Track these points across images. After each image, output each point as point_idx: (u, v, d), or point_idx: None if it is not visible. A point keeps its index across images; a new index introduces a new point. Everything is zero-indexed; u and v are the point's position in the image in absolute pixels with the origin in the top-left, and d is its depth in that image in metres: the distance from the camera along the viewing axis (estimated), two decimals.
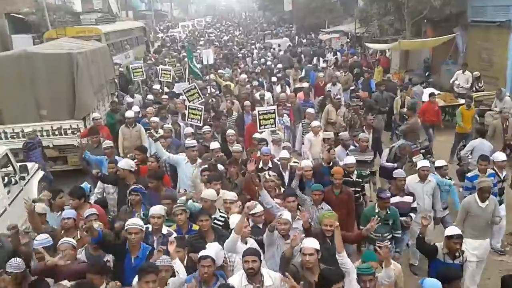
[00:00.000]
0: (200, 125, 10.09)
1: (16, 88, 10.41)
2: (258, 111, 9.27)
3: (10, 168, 8.36)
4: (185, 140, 8.72)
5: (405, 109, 11.86)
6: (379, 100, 13.03)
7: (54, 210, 6.65)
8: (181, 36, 39.47)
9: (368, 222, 5.83)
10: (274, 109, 9.39)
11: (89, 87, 11.20)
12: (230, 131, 9.14)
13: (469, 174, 7.65)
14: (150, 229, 5.66)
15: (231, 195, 6.40)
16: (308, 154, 9.14)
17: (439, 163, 7.53)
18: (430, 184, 7.12)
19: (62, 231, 5.85)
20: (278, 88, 14.73)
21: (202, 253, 4.70)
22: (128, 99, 13.05)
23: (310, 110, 10.50)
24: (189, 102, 11.25)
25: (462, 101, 13.79)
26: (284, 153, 7.83)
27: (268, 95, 13.12)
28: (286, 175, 7.64)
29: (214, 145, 8.18)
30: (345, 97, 13.91)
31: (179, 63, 19.38)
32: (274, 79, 15.71)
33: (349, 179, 7.29)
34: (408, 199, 6.77)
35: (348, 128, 10.32)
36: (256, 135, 8.95)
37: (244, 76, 15.60)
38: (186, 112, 10.34)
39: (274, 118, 9.20)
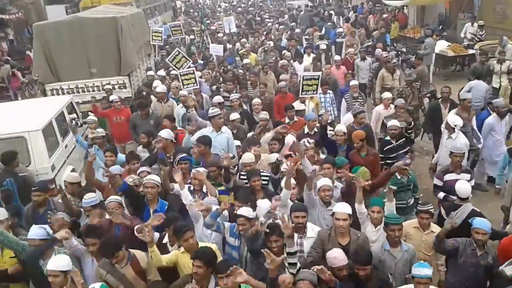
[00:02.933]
0: (197, 87, 10.19)
1: (70, 49, 11.85)
2: (303, 76, 8.88)
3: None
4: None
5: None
6: None
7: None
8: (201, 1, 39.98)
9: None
10: (319, 75, 8.99)
11: (132, 47, 12.62)
12: (256, 100, 9.09)
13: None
14: (192, 188, 6.02)
15: (274, 156, 6.60)
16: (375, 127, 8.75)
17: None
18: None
19: (110, 185, 6.18)
20: (306, 58, 13.48)
21: (239, 212, 4.97)
22: (160, 72, 12.80)
23: (354, 82, 9.98)
24: (178, 69, 11.23)
25: (471, 51, 14.85)
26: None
27: (299, 66, 12.60)
28: None
29: (234, 115, 8.17)
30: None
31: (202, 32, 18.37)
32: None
33: (391, 145, 7.23)
34: (465, 176, 6.28)
35: None
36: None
37: (270, 43, 15.05)
38: (180, 82, 10.15)
39: (317, 85, 8.84)
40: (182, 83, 10.16)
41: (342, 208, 4.92)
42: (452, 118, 7.41)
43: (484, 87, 10.02)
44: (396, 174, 6.16)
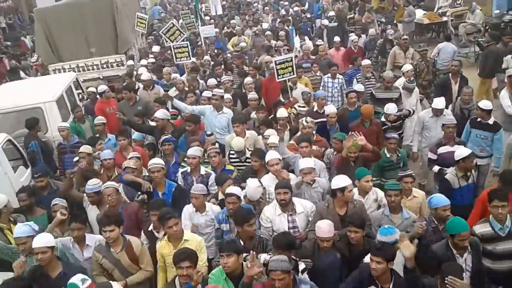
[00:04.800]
0: (190, 61, 10.43)
1: (69, 31, 12.62)
2: (275, 61, 8.49)
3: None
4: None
5: None
6: None
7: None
8: None
9: (379, 169, 6.20)
10: (291, 57, 8.65)
11: (128, 26, 13.46)
12: (248, 79, 9.08)
13: None
14: (188, 171, 6.08)
15: (271, 131, 6.60)
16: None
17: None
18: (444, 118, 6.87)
19: (102, 170, 6.43)
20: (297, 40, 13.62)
21: (228, 190, 5.01)
22: (143, 61, 12.81)
23: (366, 61, 9.74)
24: (172, 42, 11.44)
25: (444, 18, 15.83)
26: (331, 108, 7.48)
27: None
28: None
29: (227, 95, 8.27)
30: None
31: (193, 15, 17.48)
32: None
33: (387, 126, 7.25)
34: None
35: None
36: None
37: (265, 25, 15.09)
38: (173, 54, 10.41)
39: (292, 66, 8.43)
40: (175, 56, 10.44)
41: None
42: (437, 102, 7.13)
43: (452, 48, 11.01)
44: (385, 152, 6.29)
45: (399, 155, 6.36)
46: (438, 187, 6.04)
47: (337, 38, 12.22)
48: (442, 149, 6.33)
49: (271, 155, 5.59)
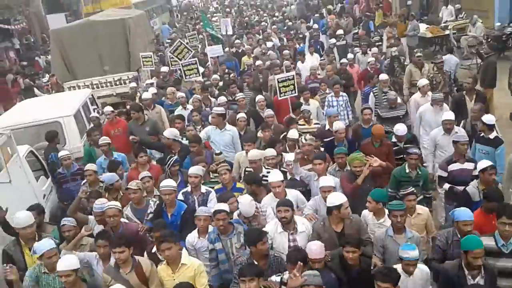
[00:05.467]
0: (200, 78, 10.61)
1: (84, 50, 13.20)
2: (277, 78, 8.74)
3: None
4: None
5: None
6: None
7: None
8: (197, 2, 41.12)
9: (396, 183, 5.95)
10: (293, 75, 8.87)
11: (139, 45, 14.02)
12: (260, 97, 8.98)
13: None
14: (189, 190, 6.00)
15: (271, 151, 6.50)
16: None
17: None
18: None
19: (107, 194, 6.31)
20: (309, 58, 13.29)
21: (216, 207, 4.97)
22: (163, 68, 13.01)
23: (384, 76, 9.48)
24: (180, 60, 11.59)
25: (447, 32, 16.23)
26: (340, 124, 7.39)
27: (302, 65, 12.38)
28: None
29: (241, 115, 8.17)
30: (348, 40, 15.30)
31: (200, 35, 17.88)
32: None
33: (397, 146, 6.99)
34: (469, 165, 6.09)
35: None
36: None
37: (269, 44, 15.03)
38: (182, 72, 10.76)
39: (294, 85, 8.67)
40: (184, 73, 10.82)
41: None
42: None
43: (454, 60, 11.34)
44: (405, 167, 6.09)
45: (420, 172, 6.09)
46: (455, 202, 5.92)
47: (350, 55, 12.16)
48: (452, 166, 6.16)
49: (275, 177, 5.53)
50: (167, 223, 5.39)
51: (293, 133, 7.10)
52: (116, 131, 8.92)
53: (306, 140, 6.70)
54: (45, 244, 4.67)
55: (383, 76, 9.44)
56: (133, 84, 12.21)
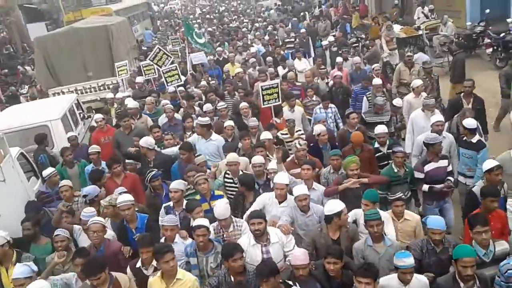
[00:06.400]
0: (182, 83, 10.49)
1: (68, 57, 13.53)
2: (261, 86, 8.58)
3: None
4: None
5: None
6: None
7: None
8: (177, 9, 41.36)
9: (386, 184, 6.04)
10: (277, 83, 8.67)
11: (122, 50, 14.34)
12: (243, 104, 8.90)
13: None
14: (171, 205, 5.82)
15: (259, 159, 6.30)
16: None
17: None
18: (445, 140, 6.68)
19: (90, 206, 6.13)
20: (297, 63, 13.10)
21: (196, 222, 4.81)
22: (138, 78, 12.37)
23: (377, 81, 9.30)
24: (160, 66, 11.26)
25: (420, 32, 16.82)
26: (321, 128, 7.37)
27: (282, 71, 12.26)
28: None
29: (228, 123, 8.05)
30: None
31: (182, 41, 17.23)
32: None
33: (381, 152, 6.97)
34: (443, 163, 6.22)
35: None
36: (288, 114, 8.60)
37: (253, 49, 14.99)
38: (164, 80, 10.45)
39: (278, 93, 8.49)
40: (166, 80, 10.48)
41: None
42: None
43: (426, 58, 11.82)
44: (393, 166, 6.16)
45: (407, 170, 6.23)
46: (435, 201, 6.14)
47: (339, 59, 11.70)
48: (428, 167, 6.20)
49: (280, 179, 5.53)
50: (133, 237, 5.41)
51: (265, 134, 7.17)
52: (106, 138, 8.87)
53: (300, 145, 6.70)
54: (17, 270, 4.61)
55: (377, 81, 9.32)
56: (110, 95, 11.74)
